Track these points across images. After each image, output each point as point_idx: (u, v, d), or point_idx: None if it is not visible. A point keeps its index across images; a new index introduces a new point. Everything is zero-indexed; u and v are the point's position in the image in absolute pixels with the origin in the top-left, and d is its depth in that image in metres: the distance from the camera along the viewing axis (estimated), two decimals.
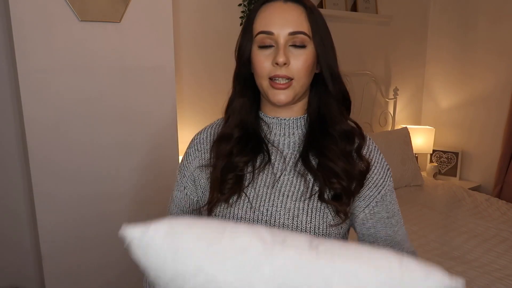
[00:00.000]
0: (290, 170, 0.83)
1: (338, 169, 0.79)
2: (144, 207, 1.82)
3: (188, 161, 0.92)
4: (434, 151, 3.28)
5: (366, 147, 0.86)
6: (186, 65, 2.14)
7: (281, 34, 0.77)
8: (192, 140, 0.94)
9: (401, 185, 2.78)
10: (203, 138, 0.92)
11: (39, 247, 1.62)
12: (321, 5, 2.61)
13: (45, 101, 1.54)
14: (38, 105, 1.52)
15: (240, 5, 2.23)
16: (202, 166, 0.89)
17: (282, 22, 0.77)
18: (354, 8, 2.78)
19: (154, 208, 1.83)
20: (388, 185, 0.87)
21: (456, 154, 3.21)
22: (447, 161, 3.25)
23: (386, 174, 0.87)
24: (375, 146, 0.88)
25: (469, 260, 1.83)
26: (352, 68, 2.92)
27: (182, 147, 1.99)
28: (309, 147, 0.83)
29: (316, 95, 0.86)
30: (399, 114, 3.30)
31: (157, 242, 0.53)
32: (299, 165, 0.83)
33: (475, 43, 3.06)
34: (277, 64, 0.77)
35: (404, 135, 2.95)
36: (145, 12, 1.69)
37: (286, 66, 0.77)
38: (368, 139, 0.87)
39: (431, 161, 3.31)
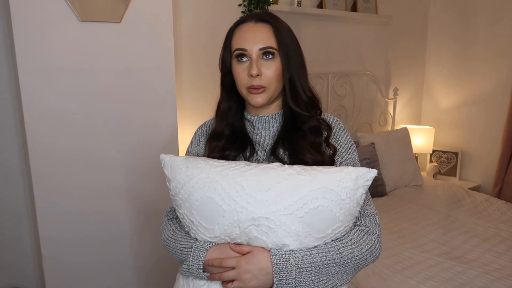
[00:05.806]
0: (268, 159, 0.99)
1: (307, 159, 0.93)
2: (145, 207, 1.82)
3: (192, 148, 1.09)
4: (434, 151, 3.28)
5: (333, 135, 1.01)
6: (186, 65, 2.14)
7: (253, 50, 0.93)
8: (196, 131, 1.11)
9: (401, 185, 2.77)
10: (203, 131, 1.09)
11: (39, 247, 1.62)
12: (321, 5, 2.61)
13: (45, 101, 1.54)
14: (38, 105, 1.53)
15: (240, 5, 2.23)
16: (199, 154, 1.06)
17: (254, 40, 0.93)
18: (354, 8, 2.78)
19: (154, 208, 1.83)
20: (351, 156, 1.01)
21: (456, 154, 3.21)
22: (447, 161, 3.25)
23: (350, 149, 1.02)
24: (340, 127, 1.03)
25: (469, 260, 1.83)
26: (352, 68, 2.92)
27: (182, 147, 1.99)
28: (281, 141, 0.98)
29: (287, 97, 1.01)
30: (399, 114, 3.30)
31: (178, 162, 0.92)
32: (272, 158, 0.98)
33: (475, 44, 3.06)
34: (251, 75, 0.92)
35: (404, 135, 2.95)
36: (145, 12, 1.69)
37: (259, 76, 0.93)
38: (336, 124, 1.02)
39: (431, 161, 3.32)
